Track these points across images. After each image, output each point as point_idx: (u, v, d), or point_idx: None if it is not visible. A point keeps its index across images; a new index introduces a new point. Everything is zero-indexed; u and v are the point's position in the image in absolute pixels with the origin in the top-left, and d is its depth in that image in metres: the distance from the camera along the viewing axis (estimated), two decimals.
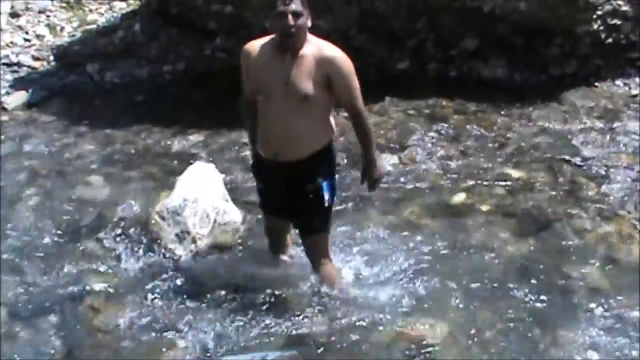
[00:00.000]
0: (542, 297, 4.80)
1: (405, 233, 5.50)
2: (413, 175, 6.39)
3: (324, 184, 4.48)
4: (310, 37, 4.30)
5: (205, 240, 5.38)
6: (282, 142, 4.38)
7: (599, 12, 7.95)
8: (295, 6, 4.14)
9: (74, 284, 5.06)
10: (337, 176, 4.69)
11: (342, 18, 8.34)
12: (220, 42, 9.08)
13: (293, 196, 4.52)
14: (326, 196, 4.49)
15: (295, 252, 5.07)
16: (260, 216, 5.32)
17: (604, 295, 4.83)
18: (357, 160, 6.11)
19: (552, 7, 7.87)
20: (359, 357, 4.37)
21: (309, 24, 4.24)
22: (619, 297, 4.80)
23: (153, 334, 4.58)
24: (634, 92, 7.97)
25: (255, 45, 4.41)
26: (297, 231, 4.86)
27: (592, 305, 4.74)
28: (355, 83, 4.31)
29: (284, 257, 5.04)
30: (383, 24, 8.43)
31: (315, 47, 4.26)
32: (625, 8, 8.00)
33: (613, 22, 8.05)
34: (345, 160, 6.46)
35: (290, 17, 4.13)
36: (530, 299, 4.80)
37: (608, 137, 7.05)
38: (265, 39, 4.40)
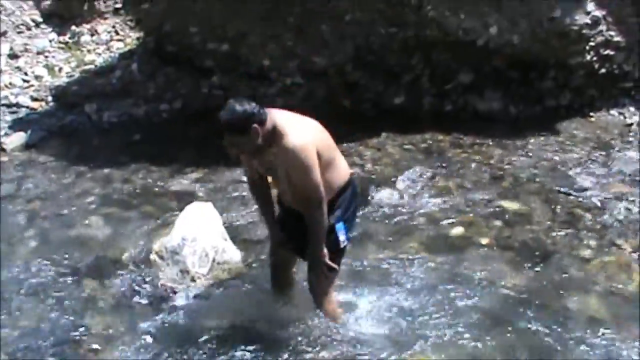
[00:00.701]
0: (542, 329, 4.80)
1: (404, 267, 5.50)
2: (411, 210, 6.40)
3: (338, 225, 4.46)
4: (277, 126, 4.16)
5: (205, 280, 5.37)
6: (292, 202, 4.47)
7: (592, 44, 8.01)
8: (228, 138, 4.12)
9: (73, 325, 5.05)
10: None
11: (338, 54, 8.40)
12: (217, 80, 9.14)
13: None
14: (341, 237, 4.47)
15: (296, 288, 5.06)
16: (258, 256, 5.32)
17: (603, 325, 4.83)
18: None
19: (545, 39, 7.94)
20: None
21: (257, 134, 4.08)
22: (619, 328, 4.80)
23: None
24: (629, 121, 8.03)
25: None
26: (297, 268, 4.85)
27: (592, 336, 4.73)
28: (310, 176, 4.16)
29: (285, 295, 5.02)
30: (378, 59, 8.48)
31: (277, 141, 4.14)
32: (617, 38, 8.07)
33: (606, 52, 8.11)
34: None
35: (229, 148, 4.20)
36: (531, 331, 4.80)
37: (604, 167, 7.10)
38: None
